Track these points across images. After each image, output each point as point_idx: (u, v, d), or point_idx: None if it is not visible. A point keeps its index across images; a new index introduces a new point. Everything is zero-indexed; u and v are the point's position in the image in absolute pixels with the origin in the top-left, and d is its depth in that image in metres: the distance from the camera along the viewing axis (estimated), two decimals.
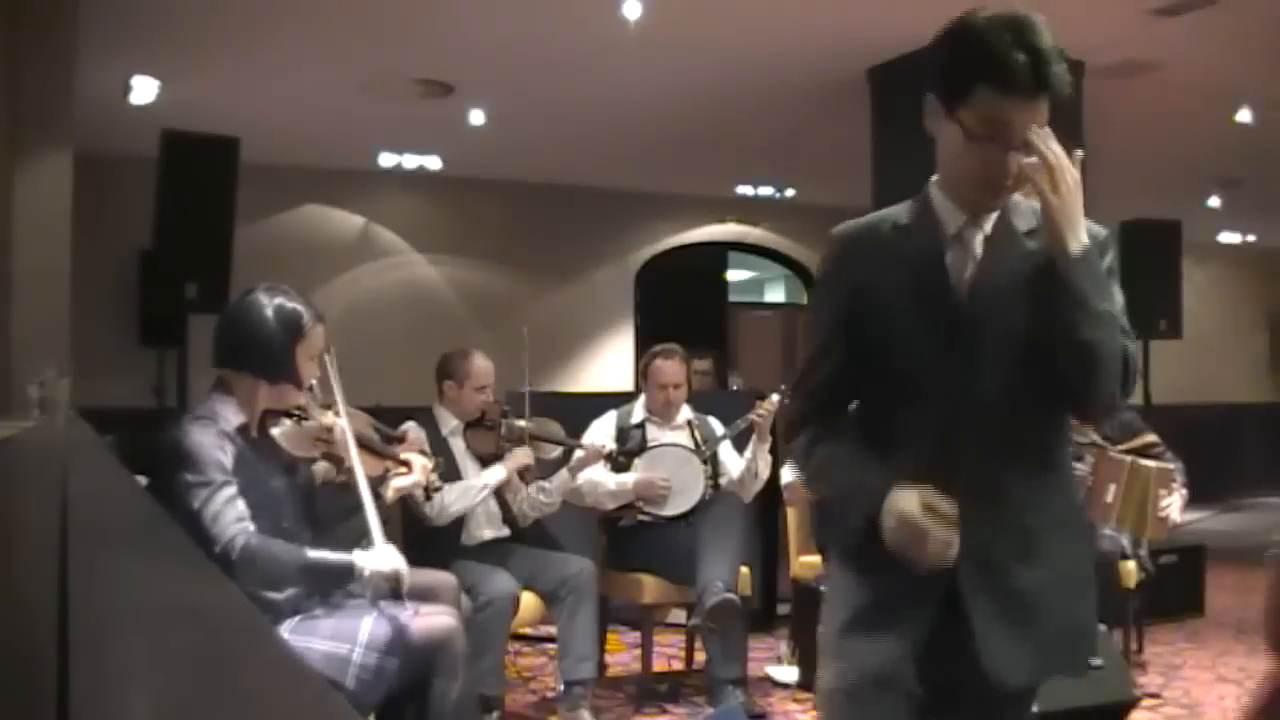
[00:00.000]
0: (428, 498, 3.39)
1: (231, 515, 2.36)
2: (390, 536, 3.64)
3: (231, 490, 2.39)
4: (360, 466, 2.61)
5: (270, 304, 2.55)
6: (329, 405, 2.71)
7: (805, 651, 4.10)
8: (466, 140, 7.05)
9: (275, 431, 2.59)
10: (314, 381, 2.66)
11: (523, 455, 3.78)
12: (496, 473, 3.76)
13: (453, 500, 3.61)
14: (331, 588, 2.51)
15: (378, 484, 2.85)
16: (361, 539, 2.57)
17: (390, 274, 8.37)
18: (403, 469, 2.83)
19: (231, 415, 2.50)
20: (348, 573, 2.45)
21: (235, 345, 2.57)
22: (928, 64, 1.75)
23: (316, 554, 2.44)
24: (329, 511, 2.75)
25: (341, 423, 2.64)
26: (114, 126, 6.07)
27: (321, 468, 2.79)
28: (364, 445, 2.77)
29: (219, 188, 5.34)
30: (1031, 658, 1.69)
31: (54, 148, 4.16)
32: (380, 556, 2.48)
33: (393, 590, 2.48)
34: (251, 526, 2.38)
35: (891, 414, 1.75)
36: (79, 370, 4.34)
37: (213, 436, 2.42)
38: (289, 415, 2.63)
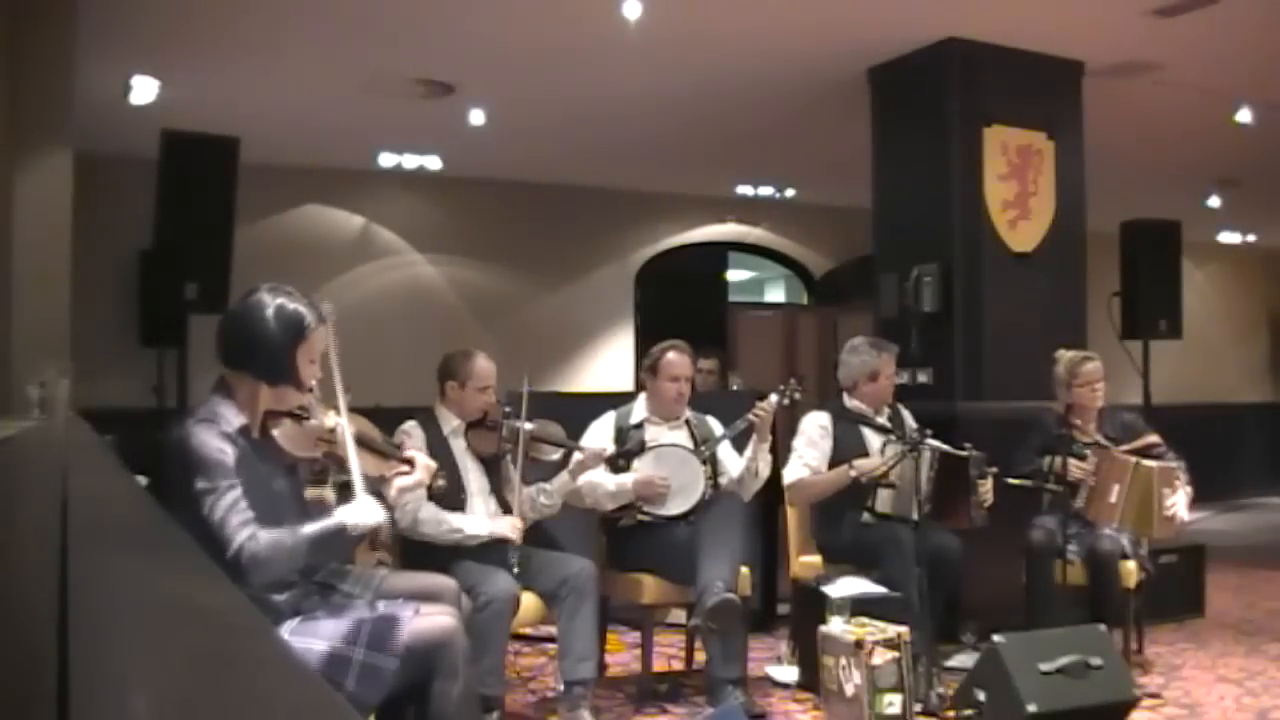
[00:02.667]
0: (430, 496, 3.38)
1: (237, 519, 2.37)
2: (392, 537, 3.68)
3: (236, 493, 2.39)
4: (360, 462, 2.62)
5: (272, 305, 2.54)
6: (333, 405, 2.71)
7: (805, 651, 4.10)
8: (466, 140, 7.05)
9: (276, 432, 2.59)
10: (314, 383, 2.65)
11: (508, 528, 3.68)
12: (479, 525, 3.68)
13: (424, 520, 3.59)
14: (331, 555, 2.54)
15: (379, 484, 2.84)
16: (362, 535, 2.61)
17: (390, 274, 8.37)
18: (405, 468, 2.83)
19: (233, 416, 2.49)
20: (342, 534, 2.52)
21: (236, 346, 2.57)
22: None
23: (312, 528, 2.49)
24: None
25: (343, 422, 2.63)
26: (114, 126, 6.07)
27: (311, 495, 2.81)
28: (367, 445, 2.77)
29: (219, 188, 5.35)
30: None
31: (54, 148, 4.16)
32: (360, 510, 2.55)
33: (373, 540, 2.55)
34: (256, 528, 2.39)
35: None
36: (79, 370, 4.34)
37: (216, 438, 2.42)
38: (290, 415, 2.62)
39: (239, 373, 2.56)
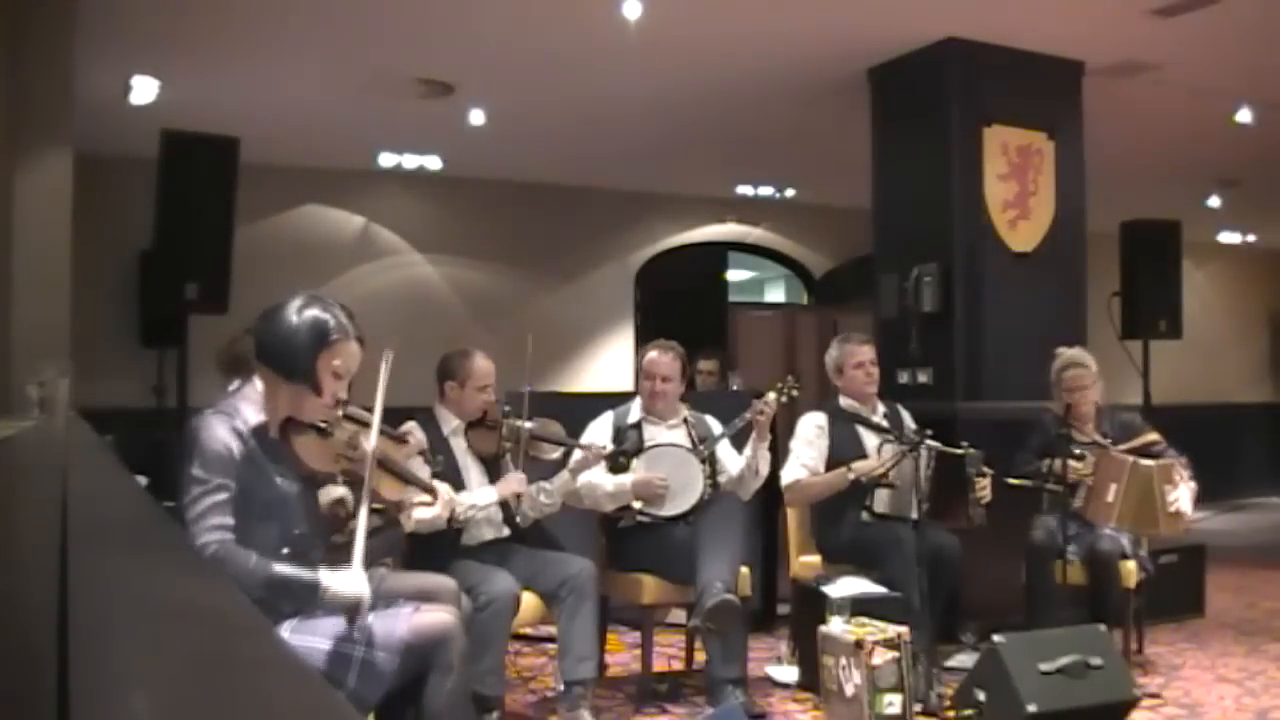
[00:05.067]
0: (449, 528, 3.33)
1: (212, 520, 2.36)
2: (391, 536, 3.67)
3: (223, 495, 2.38)
4: (379, 487, 2.56)
5: (306, 309, 2.55)
6: (358, 422, 2.67)
7: (805, 651, 4.10)
8: (466, 140, 7.05)
9: (297, 440, 2.56)
10: (338, 398, 2.61)
11: (516, 484, 3.74)
12: (486, 494, 3.72)
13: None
14: (292, 605, 2.43)
15: (397, 509, 2.79)
16: (375, 558, 2.49)
17: (390, 274, 8.37)
18: (427, 498, 2.76)
19: (251, 414, 2.50)
20: (312, 591, 2.39)
21: (262, 340, 2.58)
22: None
23: (284, 569, 2.39)
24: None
25: (370, 443, 2.58)
26: (114, 126, 6.07)
27: (327, 500, 2.75)
28: (389, 469, 2.72)
29: (219, 188, 5.34)
30: None
31: (54, 148, 4.17)
32: (347, 580, 2.42)
33: (349, 616, 2.41)
34: (229, 536, 2.37)
35: None
36: (79, 370, 4.34)
37: (225, 431, 2.43)
38: (314, 428, 2.60)
39: (262, 368, 2.57)
